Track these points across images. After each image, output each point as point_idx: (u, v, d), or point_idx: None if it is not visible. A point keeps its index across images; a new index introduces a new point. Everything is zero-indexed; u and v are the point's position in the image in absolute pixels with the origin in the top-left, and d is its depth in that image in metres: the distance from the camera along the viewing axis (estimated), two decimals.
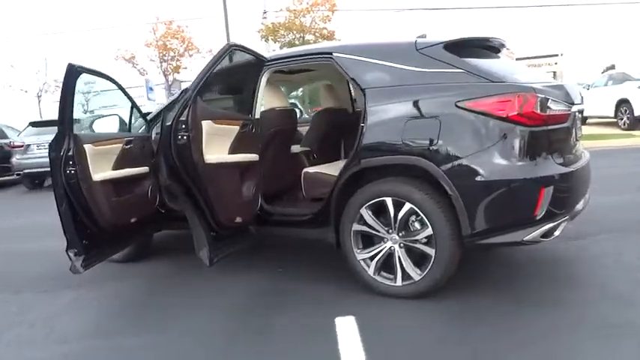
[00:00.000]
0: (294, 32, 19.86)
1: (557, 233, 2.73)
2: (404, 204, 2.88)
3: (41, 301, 3.50)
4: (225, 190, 3.06)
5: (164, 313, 3.12)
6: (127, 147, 3.61)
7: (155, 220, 3.96)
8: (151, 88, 24.19)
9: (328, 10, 19.86)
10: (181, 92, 2.79)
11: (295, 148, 4.27)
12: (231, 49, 3.03)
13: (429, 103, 2.83)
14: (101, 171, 3.27)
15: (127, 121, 3.83)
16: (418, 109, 2.85)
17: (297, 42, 19.72)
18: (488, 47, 3.28)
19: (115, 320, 3.11)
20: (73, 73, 2.96)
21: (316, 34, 20.13)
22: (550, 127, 2.70)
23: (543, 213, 2.62)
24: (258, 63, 3.31)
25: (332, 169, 3.66)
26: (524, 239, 2.65)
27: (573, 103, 2.91)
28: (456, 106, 2.73)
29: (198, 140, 2.79)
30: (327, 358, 2.44)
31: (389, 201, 2.93)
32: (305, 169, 3.62)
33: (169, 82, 21.92)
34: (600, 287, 2.94)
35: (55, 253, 3.68)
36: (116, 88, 3.54)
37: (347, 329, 2.67)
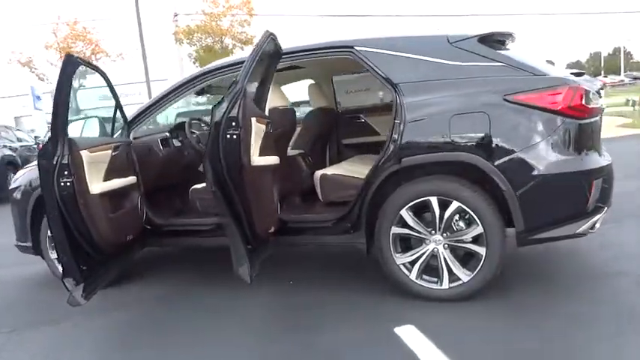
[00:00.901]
0: (212, 36, 19.18)
1: (598, 225, 2.77)
2: (451, 203, 2.76)
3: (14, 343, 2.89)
4: (266, 197, 2.73)
5: (186, 343, 2.70)
6: (114, 154, 3.13)
7: (141, 238, 3.49)
8: (39, 97, 20.16)
9: (246, 14, 19.45)
10: (231, 85, 2.42)
11: (291, 152, 4.00)
12: (270, 37, 2.71)
13: (474, 97, 2.75)
14: (96, 182, 2.78)
15: (109, 123, 3.32)
16: (463, 103, 2.75)
17: (215, 46, 19.09)
18: (502, 41, 3.28)
19: None
20: (71, 63, 2.47)
21: (235, 38, 19.63)
22: (592, 120, 2.74)
23: (594, 205, 2.65)
24: (276, 55, 3.01)
25: (350, 171, 3.47)
26: (577, 231, 2.66)
27: (600, 97, 2.99)
28: (505, 99, 2.67)
29: (247, 140, 2.44)
30: None
31: (434, 200, 2.79)
32: (321, 172, 3.38)
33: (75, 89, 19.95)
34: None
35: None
36: (105, 85, 3.04)
37: (413, 338, 2.49)
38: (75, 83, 2.86)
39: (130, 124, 3.53)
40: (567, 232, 2.68)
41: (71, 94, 2.75)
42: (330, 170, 3.40)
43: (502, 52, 2.89)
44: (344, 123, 4.73)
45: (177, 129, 3.98)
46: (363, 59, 3.06)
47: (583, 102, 2.64)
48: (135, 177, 3.31)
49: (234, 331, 2.80)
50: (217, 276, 3.73)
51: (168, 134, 3.82)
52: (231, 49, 19.65)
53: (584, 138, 2.69)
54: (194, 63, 20.22)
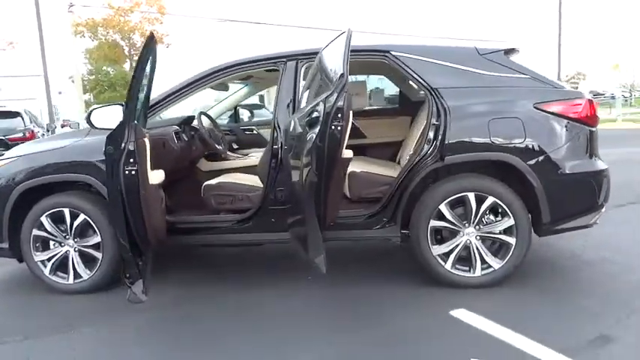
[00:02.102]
0: (119, 32, 18.03)
1: (598, 217, 3.27)
2: (486, 198, 3.07)
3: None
4: (340, 189, 2.77)
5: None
6: (150, 145, 2.97)
7: None
8: None
9: (157, 11, 18.61)
10: (340, 76, 2.43)
11: None
12: (351, 34, 2.77)
13: (509, 104, 3.10)
14: (150, 173, 2.63)
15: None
16: (499, 109, 3.09)
17: (122, 42, 17.97)
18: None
19: None
20: (153, 44, 2.33)
21: (144, 35, 18.65)
22: (597, 129, 3.24)
23: (602, 200, 3.14)
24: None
25: (377, 168, 3.63)
26: (591, 222, 3.12)
27: None
28: (535, 107, 3.06)
29: (344, 132, 2.49)
30: (488, 345, 2.47)
31: (471, 195, 3.08)
32: (349, 170, 3.49)
33: None
34: None
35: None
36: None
37: (470, 318, 2.73)
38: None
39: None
40: (583, 223, 3.13)
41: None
42: (357, 168, 3.54)
43: (520, 64, 3.29)
44: None
45: (186, 123, 3.82)
46: (399, 64, 3.27)
47: (595, 113, 3.12)
48: (162, 170, 3.14)
49: (286, 330, 2.81)
50: (237, 275, 3.67)
51: (178, 127, 3.66)
52: (140, 47, 18.62)
53: (594, 143, 3.16)
54: (87, 59, 18.84)
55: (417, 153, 3.18)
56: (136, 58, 21.13)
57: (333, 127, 2.45)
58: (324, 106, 2.46)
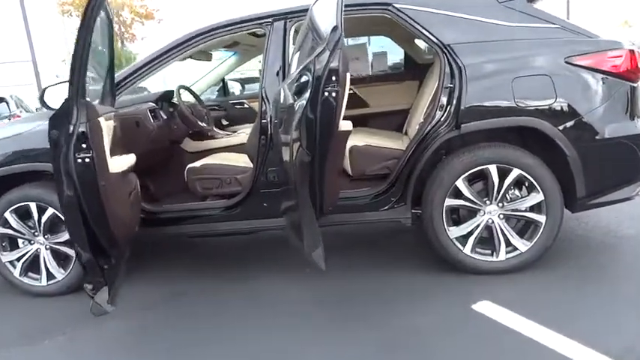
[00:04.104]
0: None
1: None
2: (511, 170, 2.64)
3: None
4: (339, 168, 2.35)
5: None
6: (114, 125, 2.55)
7: None
8: None
9: None
10: (332, 29, 1.97)
11: None
12: None
13: (535, 60, 2.63)
14: (110, 159, 2.21)
15: (98, 86, 2.67)
16: (524, 66, 2.62)
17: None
18: None
19: None
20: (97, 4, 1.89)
21: (134, 11, 17.97)
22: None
23: None
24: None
25: (382, 141, 3.20)
26: (633, 194, 2.69)
27: None
28: (566, 62, 2.59)
29: (340, 99, 2.05)
30: (519, 346, 2.09)
31: (492, 168, 2.65)
32: (351, 144, 3.06)
33: None
34: None
35: None
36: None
37: (494, 311, 2.34)
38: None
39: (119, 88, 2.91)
40: (624, 196, 2.69)
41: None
42: (359, 141, 3.10)
43: (548, 12, 2.80)
44: None
45: (164, 99, 3.38)
46: (403, 17, 2.79)
47: (638, 65, 2.65)
48: (133, 155, 2.73)
49: (294, 325, 2.44)
50: (229, 267, 3.29)
51: (154, 104, 3.22)
52: (130, 24, 18.01)
53: (635, 102, 2.70)
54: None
55: (427, 121, 2.74)
56: (126, 36, 20.48)
57: (326, 93, 2.00)
58: (314, 68, 2.01)
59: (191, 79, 4.28)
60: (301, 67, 2.16)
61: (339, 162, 2.50)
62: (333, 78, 1.99)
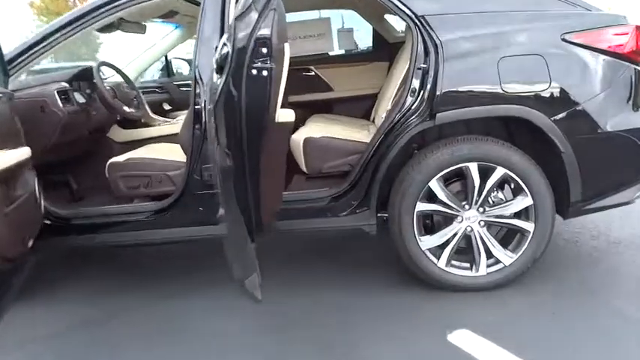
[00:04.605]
0: None
1: None
2: (494, 169, 2.20)
3: None
4: (279, 170, 1.86)
5: None
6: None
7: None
8: None
9: None
10: None
11: None
12: None
13: (526, 36, 2.18)
14: None
15: None
16: (513, 43, 2.17)
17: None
18: None
19: None
20: None
21: None
22: None
23: None
24: None
25: (344, 131, 2.72)
26: (634, 198, 2.29)
27: None
28: (563, 40, 2.15)
29: (278, 79, 1.53)
30: None
31: (473, 167, 2.20)
32: (304, 135, 2.58)
33: None
34: None
35: None
36: None
37: (474, 345, 1.91)
38: None
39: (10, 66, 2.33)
40: (623, 200, 2.28)
41: None
42: (315, 132, 2.61)
43: None
44: (291, 75, 3.87)
45: (80, 78, 2.80)
46: None
47: None
48: (28, 148, 2.17)
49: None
50: (157, 286, 2.78)
51: (67, 85, 2.65)
52: None
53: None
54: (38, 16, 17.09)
55: (396, 109, 2.27)
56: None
57: (253, 70, 1.49)
58: (234, 35, 1.49)
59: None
60: (226, 36, 1.63)
61: (279, 162, 1.98)
62: (264, 50, 1.48)
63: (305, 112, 3.68)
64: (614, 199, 2.27)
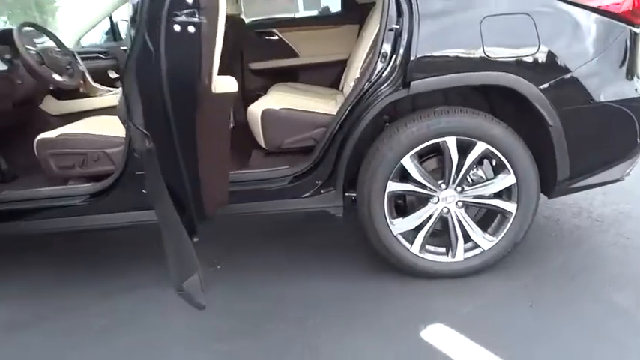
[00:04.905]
0: None
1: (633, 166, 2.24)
2: (474, 145, 1.96)
3: None
4: (225, 150, 1.56)
5: None
6: None
7: None
8: None
9: None
10: None
11: None
12: None
13: None
14: None
15: None
16: (497, 1, 1.89)
17: None
18: None
19: None
20: None
21: None
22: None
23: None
24: None
25: (308, 102, 2.44)
26: (624, 175, 2.09)
27: None
28: None
29: (212, 39, 1.22)
30: None
31: (451, 142, 1.96)
32: (263, 107, 2.28)
33: None
34: None
35: None
36: None
37: (456, 344, 1.71)
38: None
39: None
40: (613, 177, 2.09)
41: None
42: (275, 103, 2.32)
43: None
44: (251, 40, 3.54)
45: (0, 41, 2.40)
46: None
47: None
48: None
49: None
50: (98, 280, 2.49)
51: None
52: None
53: (635, 55, 2.05)
54: None
55: (365, 77, 1.99)
56: None
57: (176, 25, 1.18)
58: None
59: None
60: None
61: (221, 142, 1.65)
62: (189, 1, 1.16)
63: (267, 80, 3.40)
64: (603, 176, 2.07)
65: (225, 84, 1.51)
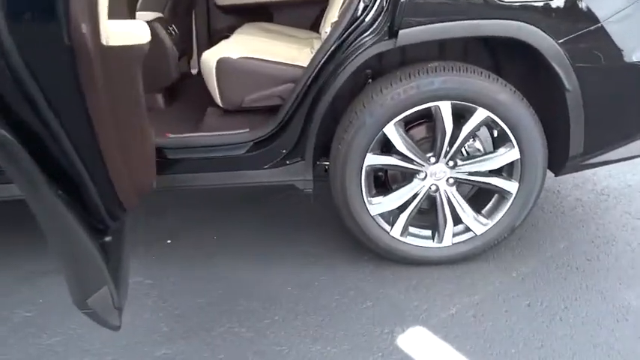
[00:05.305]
0: None
1: None
2: (473, 111, 1.60)
3: None
4: (141, 119, 1.18)
5: None
6: None
7: None
8: None
9: None
10: None
11: (142, 16, 2.31)
12: None
13: None
14: None
15: None
16: None
17: None
18: None
19: None
20: None
21: None
22: None
23: None
24: None
25: (275, 49, 2.03)
26: None
27: None
28: None
29: None
30: None
31: (445, 108, 1.59)
32: (219, 55, 1.87)
33: None
34: None
35: None
36: None
37: (436, 352, 1.43)
38: None
39: None
40: (633, 153, 1.76)
41: None
42: (234, 51, 1.90)
43: None
44: None
45: None
46: None
47: None
48: None
49: None
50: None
51: None
52: None
53: None
54: None
55: (344, 22, 1.58)
56: None
57: None
58: None
59: None
60: None
61: (133, 111, 1.22)
62: None
63: (237, 19, 2.93)
64: (620, 152, 1.74)
65: (125, 33, 1.08)
